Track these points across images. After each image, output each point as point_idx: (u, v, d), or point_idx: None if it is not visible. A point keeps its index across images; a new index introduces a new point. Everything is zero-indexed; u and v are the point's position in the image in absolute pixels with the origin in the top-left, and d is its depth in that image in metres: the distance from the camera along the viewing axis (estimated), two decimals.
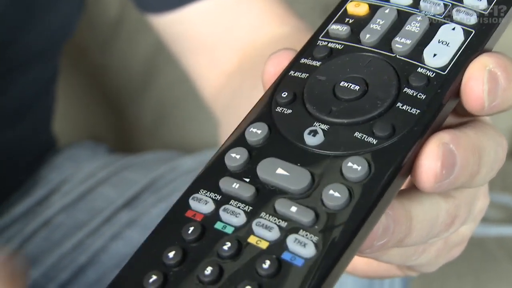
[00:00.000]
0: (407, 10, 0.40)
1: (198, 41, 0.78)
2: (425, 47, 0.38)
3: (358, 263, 0.46)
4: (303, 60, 0.40)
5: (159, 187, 0.88)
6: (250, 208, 0.35)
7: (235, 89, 0.74)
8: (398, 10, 0.40)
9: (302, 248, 0.33)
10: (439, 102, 0.37)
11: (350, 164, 0.35)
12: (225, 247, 0.34)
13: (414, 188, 0.38)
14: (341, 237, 0.34)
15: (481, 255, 1.08)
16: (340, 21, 0.41)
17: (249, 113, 0.39)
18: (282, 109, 0.38)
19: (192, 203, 0.36)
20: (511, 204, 1.16)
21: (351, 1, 0.42)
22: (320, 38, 0.41)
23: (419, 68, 0.38)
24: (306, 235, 0.34)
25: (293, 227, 0.34)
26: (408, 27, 0.39)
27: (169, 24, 0.79)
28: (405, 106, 0.37)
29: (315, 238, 0.33)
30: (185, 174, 0.89)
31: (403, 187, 0.38)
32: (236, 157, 0.37)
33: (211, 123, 0.84)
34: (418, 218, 0.38)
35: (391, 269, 0.46)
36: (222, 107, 0.77)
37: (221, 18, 0.77)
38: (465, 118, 0.40)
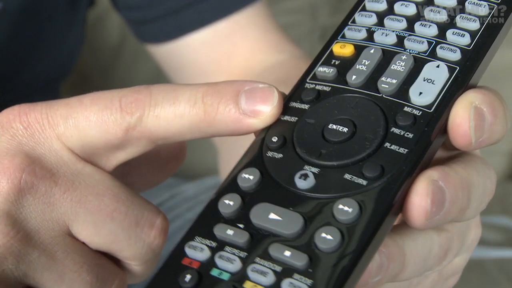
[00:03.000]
0: (392, 49, 0.41)
1: (196, 69, 0.79)
2: (410, 86, 0.39)
3: None
4: (292, 104, 0.41)
5: None
6: (245, 254, 0.36)
7: None
8: (383, 50, 0.41)
9: None
10: (427, 140, 0.38)
11: (341, 206, 0.36)
12: None
13: (406, 224, 0.39)
14: (335, 278, 0.34)
15: (481, 277, 1.08)
16: (327, 63, 0.42)
17: (241, 158, 0.40)
18: (273, 154, 0.39)
19: (188, 250, 0.37)
20: (510, 226, 1.17)
21: (337, 42, 0.42)
22: (307, 80, 0.41)
23: (406, 107, 0.38)
24: (301, 278, 0.34)
25: (287, 271, 0.35)
26: (393, 66, 0.40)
27: (168, 53, 0.80)
28: (393, 146, 0.37)
29: (309, 281, 0.34)
30: (187, 201, 0.90)
31: (396, 223, 0.39)
32: (229, 204, 0.37)
33: (213, 150, 0.85)
34: (412, 254, 0.39)
35: None
36: None
37: (218, 46, 0.78)
38: (454, 151, 0.41)
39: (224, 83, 0.41)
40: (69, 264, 0.41)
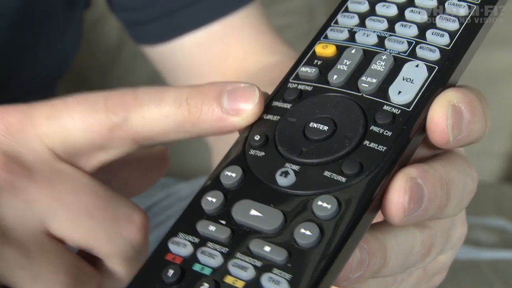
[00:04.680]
0: (372, 49, 0.42)
1: (190, 71, 0.79)
2: (390, 85, 0.40)
3: None
4: (274, 103, 0.42)
5: (155, 213, 0.89)
6: (227, 249, 0.37)
7: None
8: (364, 50, 0.42)
9: (276, 286, 0.35)
10: (405, 138, 0.38)
11: (320, 202, 0.37)
12: None
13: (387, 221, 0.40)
14: (314, 273, 0.35)
15: (475, 278, 1.09)
16: (309, 63, 0.42)
17: (224, 156, 0.41)
18: (255, 152, 0.40)
19: (171, 246, 0.38)
20: (505, 228, 1.17)
21: (319, 42, 0.43)
22: (290, 80, 0.42)
23: (385, 106, 0.39)
24: (280, 273, 0.35)
25: (267, 266, 0.35)
26: (374, 66, 0.41)
27: (163, 54, 0.81)
28: (372, 143, 0.38)
29: (288, 276, 0.35)
30: (181, 201, 0.91)
31: (378, 219, 0.40)
32: (212, 201, 0.38)
33: (207, 151, 0.85)
34: (393, 250, 0.40)
35: None
36: None
37: (212, 48, 0.79)
38: (437, 150, 0.42)
39: (207, 84, 0.43)
40: (45, 264, 0.41)
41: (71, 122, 0.42)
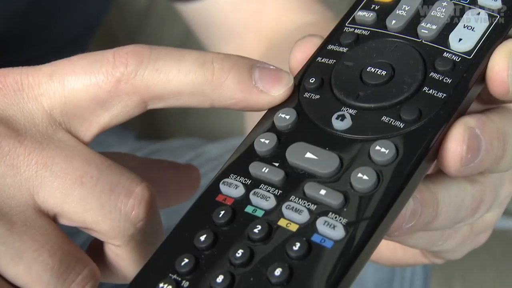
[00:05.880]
0: None
1: (225, 28, 0.78)
2: (450, 32, 0.39)
3: (383, 250, 0.47)
4: (330, 47, 0.41)
5: None
6: (280, 191, 0.36)
7: None
8: None
9: (332, 230, 0.34)
10: (465, 87, 0.37)
11: (378, 147, 0.36)
12: (256, 230, 0.35)
13: (440, 173, 0.39)
14: (370, 219, 0.34)
15: (504, 247, 1.08)
16: (366, 7, 0.41)
17: None
18: (310, 95, 0.39)
19: (222, 187, 0.37)
20: None
21: None
22: (346, 24, 0.41)
23: (445, 53, 0.38)
24: (336, 217, 0.34)
25: (322, 210, 0.35)
26: (434, 12, 0.40)
27: (197, 11, 0.80)
28: (431, 90, 0.37)
29: (344, 221, 0.34)
30: (211, 161, 0.90)
31: (430, 172, 0.39)
32: (265, 142, 0.37)
33: (237, 112, 0.85)
34: (445, 202, 0.39)
35: (416, 255, 0.47)
36: None
37: (248, 5, 0.78)
38: (491, 105, 0.41)
39: (236, 55, 0.40)
40: (28, 241, 0.37)
41: (73, 77, 0.39)
